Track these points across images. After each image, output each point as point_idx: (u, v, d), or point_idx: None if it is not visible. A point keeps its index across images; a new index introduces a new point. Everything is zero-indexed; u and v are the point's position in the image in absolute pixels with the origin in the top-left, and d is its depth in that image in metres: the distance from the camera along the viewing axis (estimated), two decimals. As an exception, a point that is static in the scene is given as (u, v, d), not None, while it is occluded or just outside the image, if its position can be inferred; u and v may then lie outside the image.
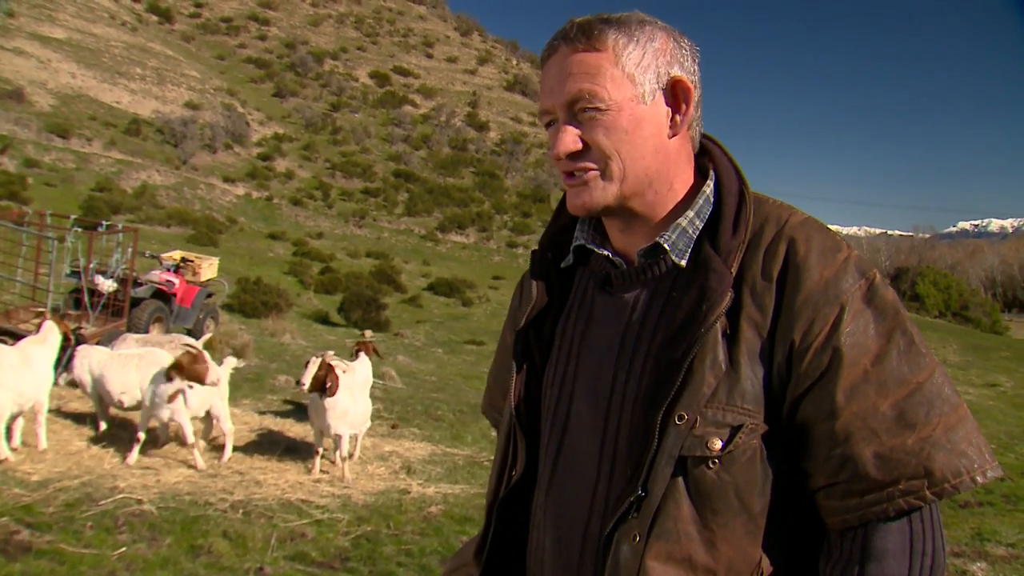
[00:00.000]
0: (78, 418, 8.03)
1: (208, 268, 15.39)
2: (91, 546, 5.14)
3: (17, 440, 6.85)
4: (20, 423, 6.89)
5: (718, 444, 1.22)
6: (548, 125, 1.37)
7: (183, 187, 41.44)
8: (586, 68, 1.29)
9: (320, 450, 7.60)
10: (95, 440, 7.47)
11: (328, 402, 7.19)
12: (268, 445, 7.96)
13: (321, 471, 7.60)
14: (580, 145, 1.31)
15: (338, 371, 7.53)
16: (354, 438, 8.04)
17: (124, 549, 5.17)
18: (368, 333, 21.39)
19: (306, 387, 7.12)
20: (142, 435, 7.10)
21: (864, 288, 1.24)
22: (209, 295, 15.10)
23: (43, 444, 6.91)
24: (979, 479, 1.19)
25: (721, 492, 1.24)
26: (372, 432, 9.37)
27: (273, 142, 59.47)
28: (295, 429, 9.02)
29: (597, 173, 1.32)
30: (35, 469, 6.41)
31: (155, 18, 79.47)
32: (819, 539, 1.29)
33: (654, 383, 1.27)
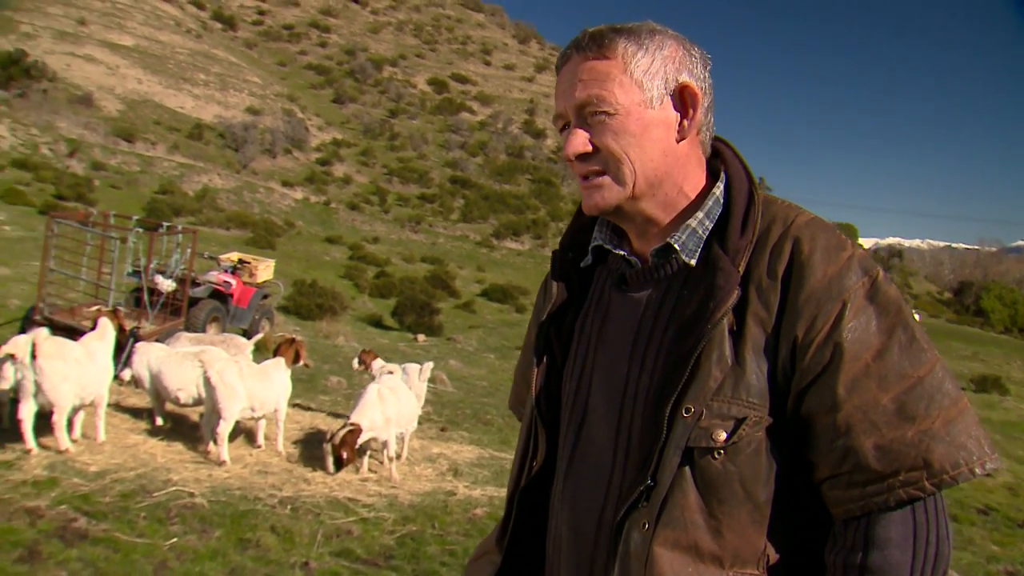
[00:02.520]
0: (135, 413, 8.26)
1: (264, 270, 15.66)
2: (144, 535, 5.30)
3: (77, 432, 7.06)
4: (80, 416, 7.11)
5: (723, 436, 1.27)
6: (562, 129, 1.43)
7: (243, 190, 42.12)
8: (596, 75, 1.36)
9: (368, 451, 7.72)
10: (151, 434, 7.67)
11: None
12: (318, 444, 8.08)
13: (369, 471, 7.71)
14: (590, 147, 1.38)
15: (381, 370, 7.65)
16: (401, 439, 8.13)
17: (175, 540, 5.31)
18: (421, 337, 21.56)
19: (333, 470, 7.29)
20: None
21: (867, 285, 1.28)
22: (265, 296, 15.35)
23: (101, 437, 7.12)
24: (978, 471, 1.22)
25: (726, 482, 1.28)
26: (421, 434, 9.47)
27: (332, 147, 60.13)
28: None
29: (607, 175, 1.38)
30: (93, 460, 6.61)
31: (219, 25, 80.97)
32: (825, 529, 1.32)
33: (664, 377, 1.33)
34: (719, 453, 1.28)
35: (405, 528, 6.31)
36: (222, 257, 15.31)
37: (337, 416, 9.78)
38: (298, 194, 47.70)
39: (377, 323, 23.45)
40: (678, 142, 1.39)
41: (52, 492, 5.78)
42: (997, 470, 1.28)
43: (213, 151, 49.00)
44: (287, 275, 22.41)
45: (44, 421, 6.67)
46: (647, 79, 1.35)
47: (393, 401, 7.74)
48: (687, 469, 1.30)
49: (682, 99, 1.38)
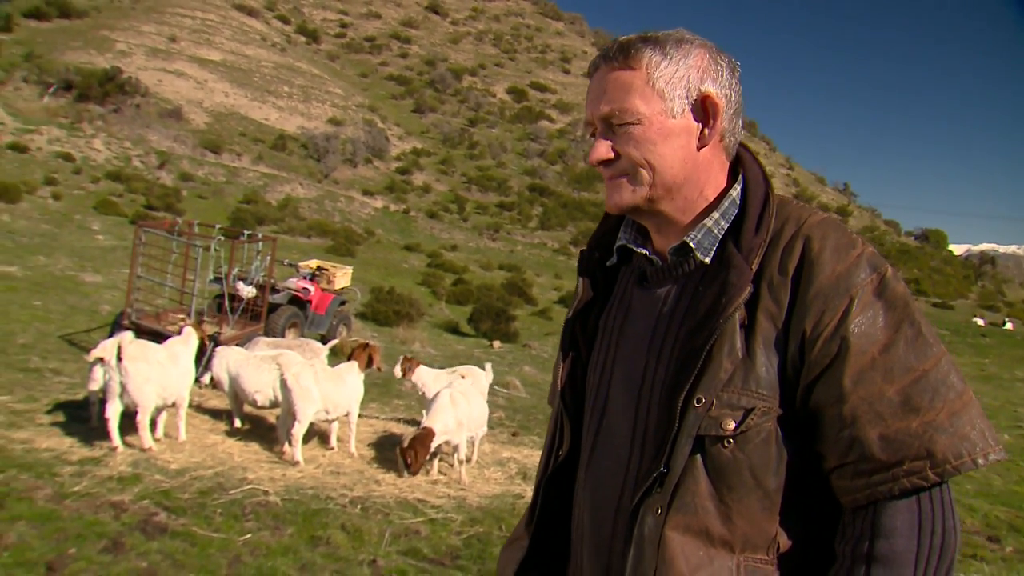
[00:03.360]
0: (215, 414, 8.54)
1: (342, 277, 15.96)
2: (220, 531, 5.50)
3: (160, 432, 7.36)
4: (163, 416, 7.41)
5: (731, 425, 1.33)
6: (592, 135, 1.50)
7: (324, 199, 42.94)
8: (619, 85, 1.42)
9: (439, 454, 7.85)
10: (229, 435, 7.93)
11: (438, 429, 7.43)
12: (390, 447, 8.23)
13: (439, 473, 7.82)
14: (611, 155, 1.45)
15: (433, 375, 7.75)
16: (471, 442, 8.22)
17: (249, 535, 5.50)
18: (496, 344, 21.69)
19: (406, 473, 7.41)
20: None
21: (876, 282, 1.32)
22: (342, 303, 15.62)
23: (182, 436, 7.40)
24: (980, 461, 1.25)
25: (735, 470, 1.34)
26: (492, 439, 9.55)
27: (411, 156, 60.88)
28: (417, 433, 9.27)
29: (626, 180, 1.45)
30: (174, 458, 6.88)
31: (303, 39, 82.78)
32: (837, 520, 1.37)
33: (678, 369, 1.39)
34: (729, 442, 1.33)
35: (472, 529, 6.39)
36: (301, 264, 15.67)
37: (408, 422, 9.95)
38: (378, 203, 48.41)
39: (453, 330, 23.66)
40: (699, 149, 1.45)
41: (135, 488, 6.04)
42: (1000, 461, 1.30)
43: (296, 161, 50.08)
44: (366, 282, 22.80)
45: (129, 421, 6.95)
46: (669, 88, 1.41)
47: (465, 405, 7.84)
48: (698, 457, 1.35)
49: (703, 109, 1.43)
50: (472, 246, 45.77)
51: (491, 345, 21.53)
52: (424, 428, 7.36)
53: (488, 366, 9.95)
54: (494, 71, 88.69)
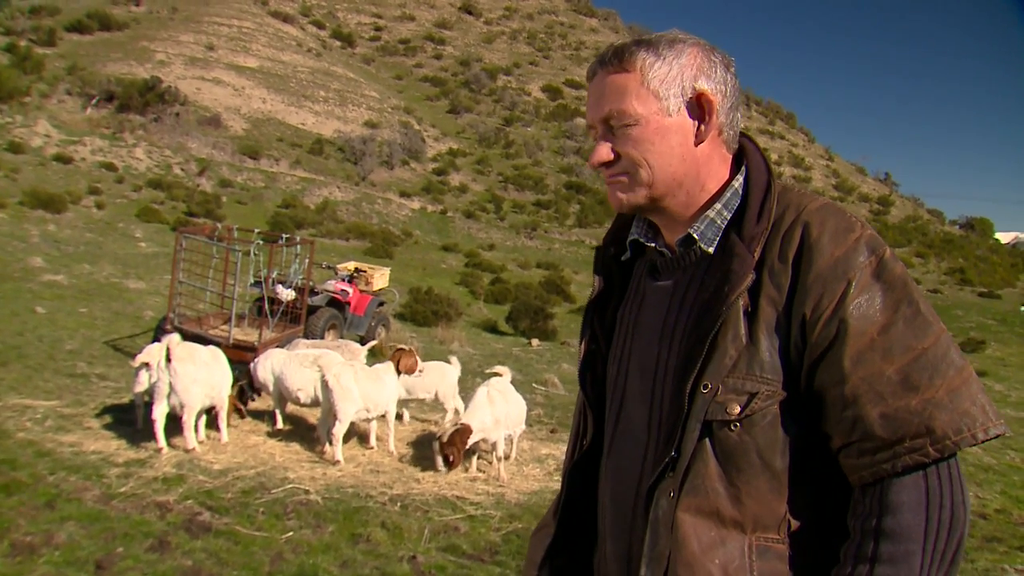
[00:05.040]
0: (256, 415, 8.68)
1: (380, 278, 16.09)
2: (262, 529, 5.61)
3: (203, 433, 7.50)
4: (204, 418, 7.56)
5: (737, 409, 1.37)
6: (595, 139, 1.55)
7: (362, 202, 43.14)
8: (616, 88, 1.47)
9: (478, 451, 7.91)
10: (270, 435, 8.08)
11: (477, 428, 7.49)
12: (429, 445, 8.31)
13: (478, 471, 7.88)
14: (612, 156, 1.50)
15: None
16: (510, 440, 8.27)
17: (291, 534, 5.60)
18: (535, 342, 21.71)
19: (443, 470, 7.48)
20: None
21: (874, 264, 1.35)
22: (380, 304, 15.74)
23: (225, 437, 7.56)
24: (980, 436, 1.28)
25: (743, 452, 1.38)
26: (531, 436, 9.59)
27: (448, 157, 60.90)
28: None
29: (627, 179, 1.50)
30: (217, 459, 7.03)
31: (338, 43, 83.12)
32: (848, 498, 1.40)
33: (685, 356, 1.44)
34: (735, 425, 1.38)
35: (511, 525, 6.44)
36: (339, 266, 15.82)
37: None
38: (415, 204, 48.53)
39: (492, 329, 23.69)
40: (696, 145, 1.49)
41: (180, 488, 6.19)
42: (1002, 435, 1.33)
43: (333, 165, 50.38)
44: (404, 283, 22.93)
45: (173, 424, 7.11)
46: (663, 88, 1.45)
47: (502, 403, 7.89)
48: (707, 441, 1.40)
49: (699, 105, 1.47)
50: (509, 245, 45.73)
51: (529, 343, 21.52)
52: (461, 424, 7.43)
53: (454, 359, 9.93)
54: (528, 70, 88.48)
